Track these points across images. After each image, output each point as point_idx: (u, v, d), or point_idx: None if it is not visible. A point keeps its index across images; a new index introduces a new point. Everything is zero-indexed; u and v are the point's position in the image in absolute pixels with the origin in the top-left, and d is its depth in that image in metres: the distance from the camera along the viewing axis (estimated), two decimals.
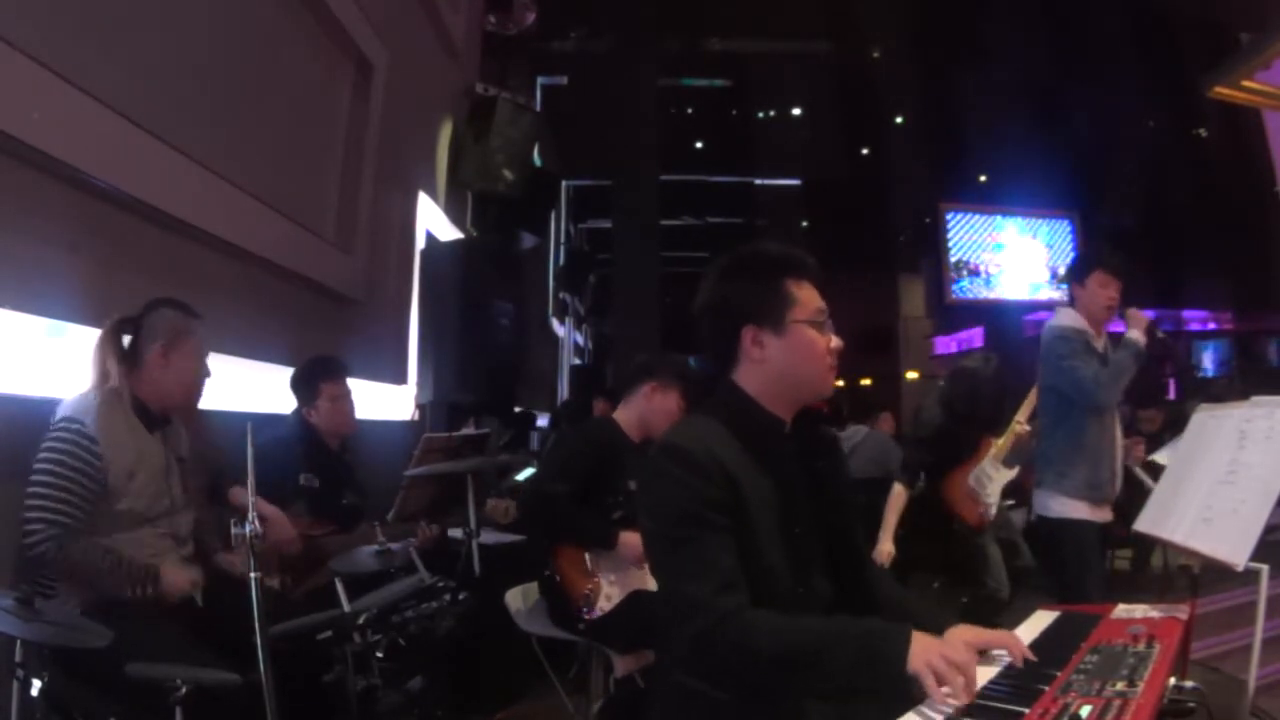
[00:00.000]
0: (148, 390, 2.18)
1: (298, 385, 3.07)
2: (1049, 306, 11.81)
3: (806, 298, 1.54)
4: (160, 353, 2.18)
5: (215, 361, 2.87)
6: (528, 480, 4.29)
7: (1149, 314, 3.07)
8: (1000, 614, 3.99)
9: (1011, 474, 3.86)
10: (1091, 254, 3.24)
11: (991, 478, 3.84)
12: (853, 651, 1.30)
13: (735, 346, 1.54)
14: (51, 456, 1.99)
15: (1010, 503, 3.97)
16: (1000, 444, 3.85)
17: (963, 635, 1.46)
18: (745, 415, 1.52)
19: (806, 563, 1.48)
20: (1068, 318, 3.07)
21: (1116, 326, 3.12)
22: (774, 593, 1.41)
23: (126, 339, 2.20)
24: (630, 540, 2.77)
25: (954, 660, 1.25)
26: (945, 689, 1.22)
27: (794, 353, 1.52)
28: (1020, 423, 3.75)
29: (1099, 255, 3.14)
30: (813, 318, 1.53)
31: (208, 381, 2.35)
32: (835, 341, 1.55)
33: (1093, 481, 2.96)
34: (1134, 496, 3.08)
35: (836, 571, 1.55)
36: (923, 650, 1.26)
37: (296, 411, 3.06)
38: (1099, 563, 3.08)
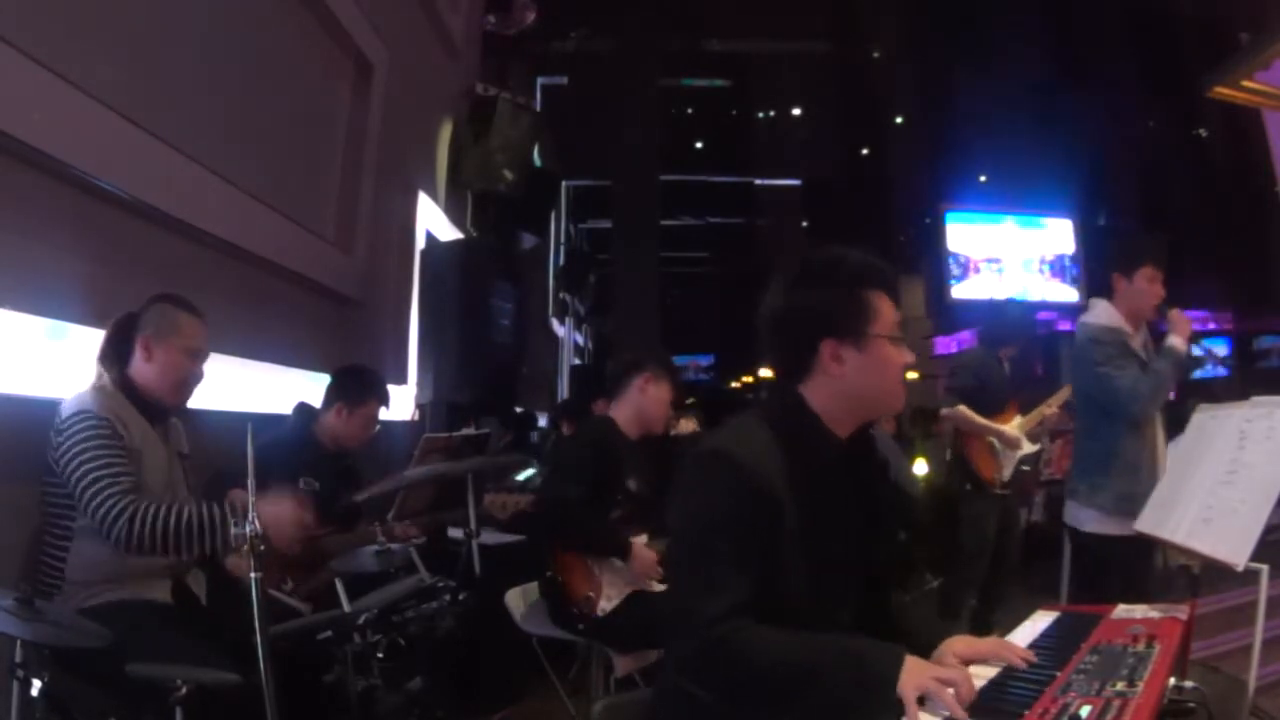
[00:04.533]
0: (140, 383, 2.18)
1: (345, 385, 3.06)
2: (1050, 306, 11.81)
3: (887, 311, 1.47)
4: (143, 345, 2.18)
5: (215, 361, 2.87)
6: (540, 484, 4.27)
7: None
8: (996, 607, 4.05)
9: (1034, 448, 4.07)
10: (1140, 246, 2.97)
11: (995, 429, 4.04)
12: (845, 674, 1.29)
13: (810, 359, 1.46)
14: (81, 445, 1.97)
15: (1025, 467, 4.12)
16: (1026, 419, 4.07)
17: (956, 647, 1.46)
18: (803, 430, 1.46)
19: (835, 582, 1.44)
20: (1104, 314, 2.88)
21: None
22: (793, 611, 1.38)
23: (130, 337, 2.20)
24: (642, 555, 2.76)
25: (945, 679, 1.24)
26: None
27: (872, 370, 1.45)
28: (1050, 406, 4.05)
29: (1148, 248, 2.92)
30: (893, 333, 1.47)
31: (200, 383, 2.31)
32: (909, 356, 1.50)
33: (1129, 495, 2.70)
34: None
35: (864, 592, 1.51)
36: (912, 675, 1.25)
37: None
38: (1147, 570, 2.79)
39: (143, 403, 2.18)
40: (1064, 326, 11.04)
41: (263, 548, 1.80)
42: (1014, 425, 4.07)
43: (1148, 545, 2.67)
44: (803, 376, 1.48)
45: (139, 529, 1.92)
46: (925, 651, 1.46)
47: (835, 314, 1.46)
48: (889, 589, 1.59)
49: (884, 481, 1.65)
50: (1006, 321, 4.31)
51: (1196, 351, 2.87)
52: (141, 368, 2.18)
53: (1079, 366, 2.92)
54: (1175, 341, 2.77)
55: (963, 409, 3.99)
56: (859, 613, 1.50)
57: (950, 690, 1.22)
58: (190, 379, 2.25)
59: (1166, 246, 2.93)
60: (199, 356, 2.25)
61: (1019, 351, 4.21)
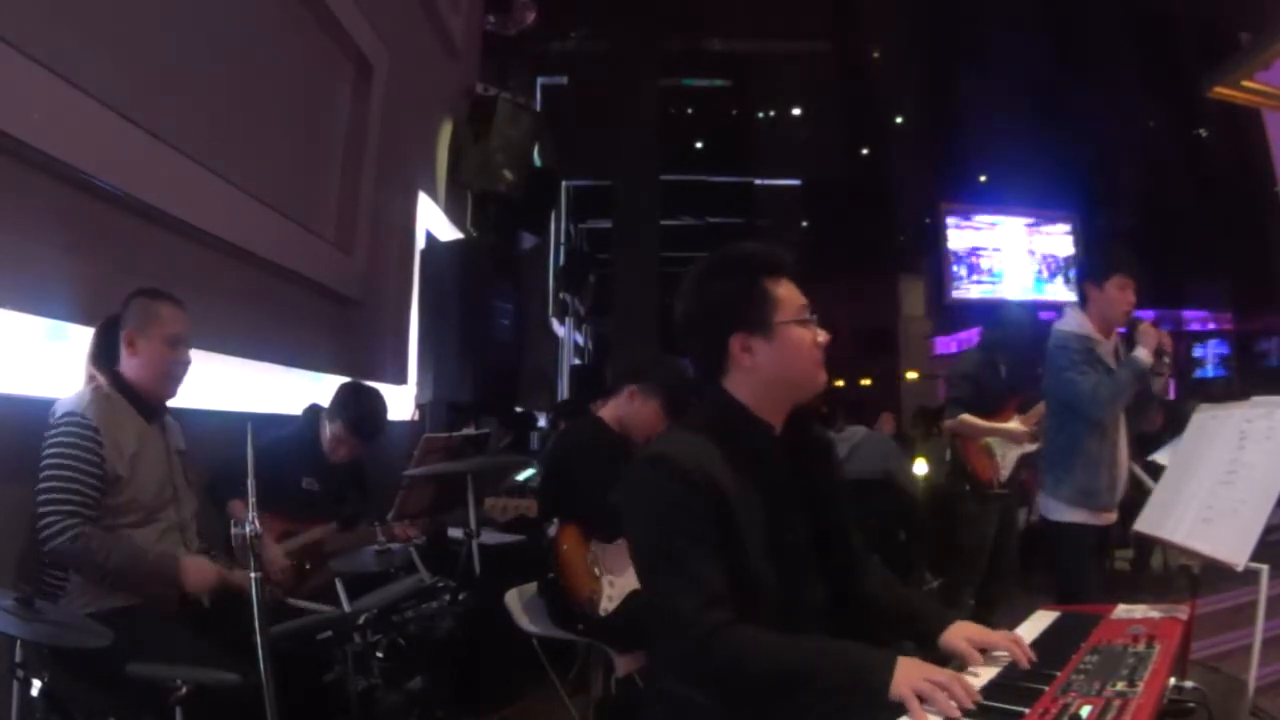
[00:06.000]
0: (131, 379, 2.19)
1: (335, 396, 3.04)
2: (1049, 306, 11.82)
3: (788, 296, 1.51)
4: (127, 340, 2.19)
5: (215, 361, 2.87)
6: (539, 486, 4.20)
7: (1148, 315, 3.05)
8: (996, 607, 4.05)
9: (1035, 446, 3.99)
10: (1110, 256, 3.17)
11: (1000, 429, 4.02)
12: (838, 677, 1.30)
13: (723, 355, 1.51)
14: (57, 451, 2.00)
15: (1033, 447, 4.02)
16: (1024, 418, 4.03)
17: (964, 633, 1.46)
18: (734, 423, 1.49)
19: (798, 570, 1.46)
20: (1073, 322, 3.05)
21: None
22: (765, 602, 1.40)
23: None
24: None
25: (938, 681, 1.24)
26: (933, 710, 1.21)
27: (784, 356, 1.49)
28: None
29: (1118, 258, 3.09)
30: (798, 316, 1.51)
31: (190, 371, 2.30)
32: (822, 335, 1.53)
33: (1088, 489, 2.97)
34: (1134, 497, 3.10)
35: (830, 576, 1.53)
36: (906, 676, 1.25)
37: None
38: (1095, 565, 3.10)
39: (138, 399, 2.19)
40: None
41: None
42: (1011, 425, 4.07)
43: (1096, 534, 3.02)
44: (722, 373, 1.53)
45: (76, 551, 1.95)
46: (932, 636, 1.48)
47: (738, 308, 1.50)
48: (852, 573, 1.60)
49: (826, 463, 1.66)
50: (1007, 325, 4.31)
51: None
52: (129, 363, 2.19)
53: (1049, 370, 3.10)
54: (1141, 353, 2.91)
55: (965, 418, 4.01)
56: (829, 590, 1.52)
57: (943, 693, 1.22)
58: (175, 367, 2.24)
59: (1136, 257, 3.10)
60: (180, 343, 2.24)
61: (1018, 355, 4.20)
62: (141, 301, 2.22)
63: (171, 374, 2.24)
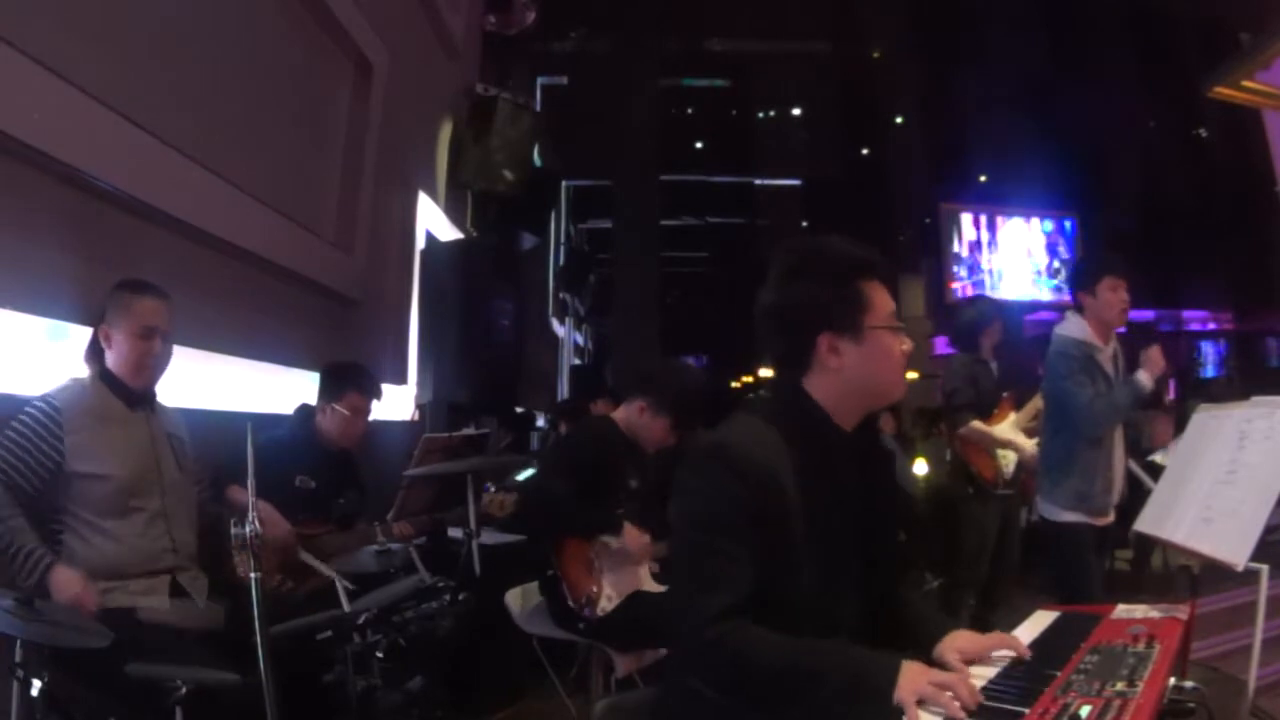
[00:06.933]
0: (114, 371, 2.21)
1: (326, 379, 3.04)
2: (1049, 306, 11.83)
3: (881, 301, 1.47)
4: (104, 335, 2.21)
5: (215, 361, 2.86)
6: (528, 478, 4.29)
7: (1148, 315, 3.06)
8: (997, 607, 4.05)
9: (1033, 443, 3.97)
10: (1098, 260, 3.30)
11: (1010, 441, 4.01)
12: (843, 679, 1.29)
13: (808, 353, 1.46)
14: (12, 425, 2.03)
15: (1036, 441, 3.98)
16: (1021, 414, 4.05)
17: (956, 644, 1.45)
18: (809, 425, 1.45)
19: (842, 576, 1.43)
20: (1075, 328, 3.09)
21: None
22: (804, 604, 1.37)
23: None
24: (634, 533, 2.78)
25: (943, 683, 1.23)
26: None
27: (872, 361, 1.44)
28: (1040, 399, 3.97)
29: (1106, 260, 3.17)
30: (888, 322, 1.46)
31: (165, 361, 2.29)
32: (907, 344, 1.49)
33: (1082, 494, 3.02)
34: (1134, 497, 3.11)
35: (871, 586, 1.50)
36: (910, 681, 1.25)
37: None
38: (1096, 564, 3.14)
39: (122, 390, 2.20)
40: None
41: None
42: (1009, 422, 4.06)
43: (1094, 533, 3.06)
44: (802, 370, 1.48)
45: None
46: (929, 645, 1.46)
47: (830, 307, 1.45)
48: (893, 580, 1.58)
49: (888, 474, 1.65)
50: (971, 316, 4.27)
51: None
52: (109, 356, 2.21)
53: (1049, 374, 3.16)
54: (1143, 377, 2.97)
55: (977, 425, 3.99)
56: (865, 603, 1.50)
57: (948, 694, 1.22)
58: (146, 358, 2.22)
59: (1123, 258, 3.20)
60: (152, 335, 2.22)
61: (1003, 343, 4.18)
62: (116, 294, 2.22)
63: (143, 364, 2.22)
